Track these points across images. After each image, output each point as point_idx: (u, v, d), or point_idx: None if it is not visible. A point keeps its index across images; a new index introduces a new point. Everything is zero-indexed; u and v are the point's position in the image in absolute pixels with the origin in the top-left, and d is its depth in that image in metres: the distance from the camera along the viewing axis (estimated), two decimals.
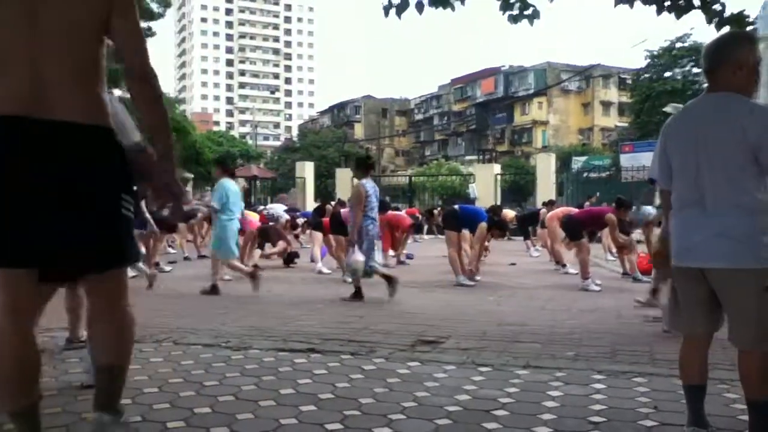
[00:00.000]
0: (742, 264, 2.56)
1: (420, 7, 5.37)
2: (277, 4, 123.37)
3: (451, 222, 9.65)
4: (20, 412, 2.09)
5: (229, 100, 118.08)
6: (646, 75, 47.98)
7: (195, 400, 3.39)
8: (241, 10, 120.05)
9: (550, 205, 14.60)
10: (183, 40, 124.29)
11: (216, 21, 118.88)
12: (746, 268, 2.56)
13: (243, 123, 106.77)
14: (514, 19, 5.73)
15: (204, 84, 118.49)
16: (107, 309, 2.27)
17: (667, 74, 46.48)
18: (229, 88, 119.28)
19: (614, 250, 13.35)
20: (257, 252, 11.43)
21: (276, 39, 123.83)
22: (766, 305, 2.56)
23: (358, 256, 7.23)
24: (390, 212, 12.39)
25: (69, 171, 2.04)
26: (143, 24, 29.70)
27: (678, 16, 5.41)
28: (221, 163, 9.18)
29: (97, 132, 2.11)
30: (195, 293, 7.93)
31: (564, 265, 10.85)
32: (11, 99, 2.02)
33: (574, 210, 11.04)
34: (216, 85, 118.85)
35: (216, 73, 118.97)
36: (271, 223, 12.24)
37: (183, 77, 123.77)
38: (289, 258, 11.94)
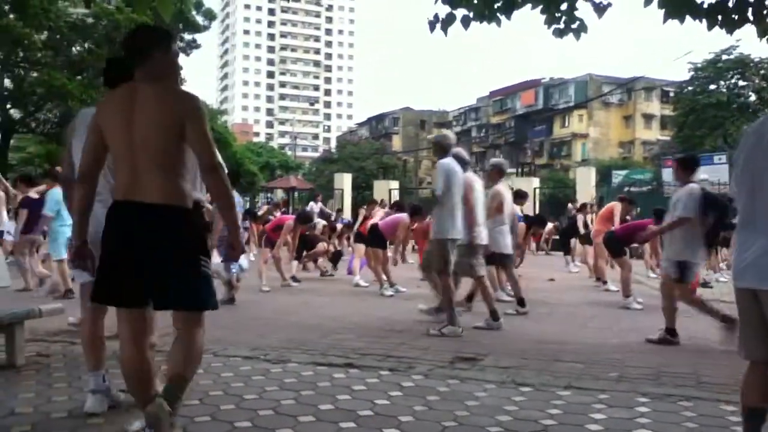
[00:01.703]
0: None
1: (466, 22, 5.34)
2: (318, 16, 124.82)
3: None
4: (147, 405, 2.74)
5: (269, 112, 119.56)
6: (690, 88, 47.04)
7: (235, 413, 3.41)
8: (283, 23, 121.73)
9: (583, 209, 14.25)
10: (226, 51, 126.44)
11: (258, 33, 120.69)
12: None
13: (282, 134, 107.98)
14: (560, 33, 5.64)
15: (245, 95, 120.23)
16: (184, 334, 2.91)
17: (712, 87, 45.51)
18: (270, 99, 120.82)
19: (657, 268, 13.15)
20: (294, 264, 11.50)
21: (317, 51, 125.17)
22: None
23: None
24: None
25: (154, 239, 2.74)
26: (188, 36, 30.29)
27: (730, 31, 5.28)
28: (48, 174, 9.25)
29: (173, 210, 2.76)
30: (234, 305, 7.99)
31: (605, 282, 10.66)
32: (120, 188, 2.80)
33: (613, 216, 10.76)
34: (257, 96, 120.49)
35: (257, 84, 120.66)
36: (307, 232, 12.30)
37: (225, 88, 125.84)
38: (335, 257, 11.93)
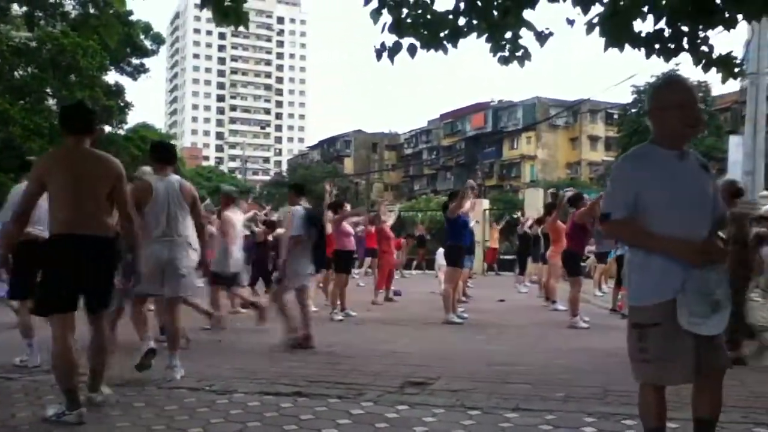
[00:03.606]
0: None
1: (413, 51, 5.39)
2: (269, 40, 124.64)
3: (457, 258, 9.53)
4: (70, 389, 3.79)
5: (220, 135, 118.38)
6: (633, 110, 48.59)
7: None
8: (234, 47, 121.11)
9: (539, 223, 14.31)
10: (175, 75, 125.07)
11: (208, 57, 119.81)
12: None
13: (233, 158, 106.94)
14: (505, 61, 5.74)
15: (195, 119, 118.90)
16: (98, 330, 4.06)
17: None
18: (220, 123, 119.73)
19: (603, 285, 13.43)
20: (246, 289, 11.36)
21: (268, 75, 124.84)
22: None
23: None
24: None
25: (93, 259, 3.91)
26: (136, 60, 29.68)
27: (667, 59, 5.47)
28: None
29: (105, 239, 3.96)
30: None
31: (554, 301, 10.81)
32: (66, 224, 3.85)
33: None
34: (206, 120, 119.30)
35: (207, 108, 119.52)
36: None
37: (174, 112, 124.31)
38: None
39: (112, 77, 28.36)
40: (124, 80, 29.73)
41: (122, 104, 27.04)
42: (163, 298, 5.32)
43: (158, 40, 29.97)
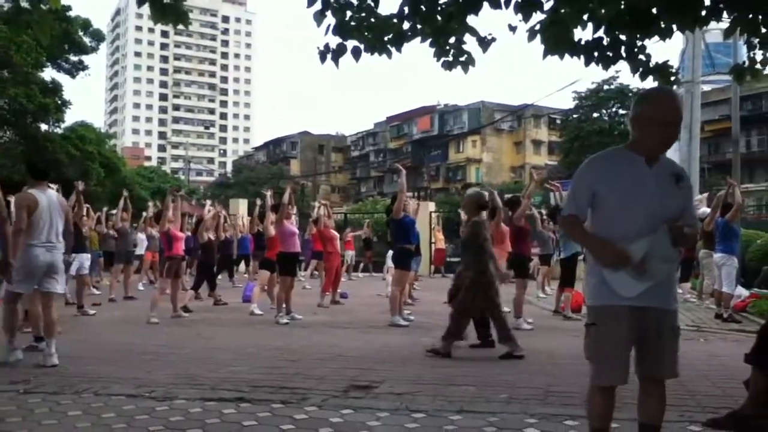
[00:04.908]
0: None
1: (357, 54, 5.37)
2: (214, 39, 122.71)
3: (405, 260, 9.55)
4: None
5: (162, 135, 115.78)
6: (575, 116, 49.80)
7: None
8: (177, 45, 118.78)
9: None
10: (116, 73, 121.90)
11: (150, 55, 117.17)
12: None
13: (176, 158, 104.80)
14: (449, 66, 5.78)
15: (136, 118, 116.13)
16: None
17: (595, 115, 48.37)
18: (162, 122, 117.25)
19: (547, 287, 13.68)
20: (190, 293, 11.18)
21: (212, 74, 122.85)
22: None
23: None
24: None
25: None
26: (74, 57, 28.80)
27: (605, 67, 5.61)
28: None
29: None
30: (121, 338, 7.62)
31: None
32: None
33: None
34: (148, 119, 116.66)
35: (149, 107, 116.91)
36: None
37: (114, 111, 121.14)
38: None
39: (48, 74, 27.48)
40: (62, 77, 28.88)
41: (59, 102, 26.23)
42: (39, 294, 5.95)
43: (98, 36, 29.20)
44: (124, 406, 4.21)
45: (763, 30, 5.43)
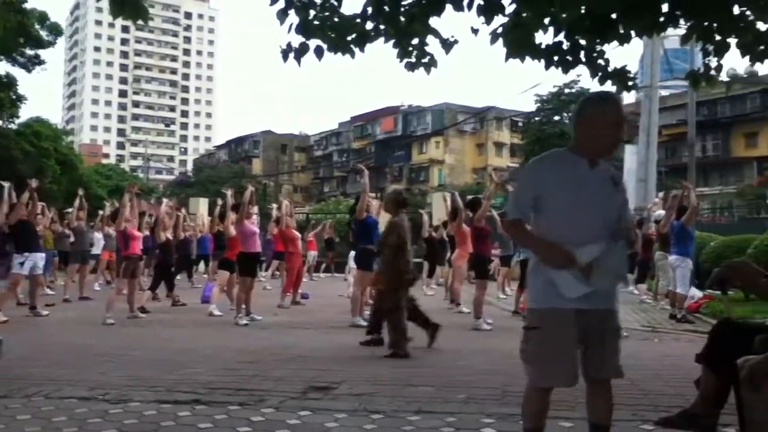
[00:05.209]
0: None
1: (319, 53, 5.35)
2: (176, 35, 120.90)
3: (368, 261, 9.45)
4: None
5: (121, 132, 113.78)
6: (537, 118, 50.42)
7: None
8: (138, 41, 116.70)
9: (444, 227, 14.59)
10: (74, 68, 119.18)
11: (110, 50, 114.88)
12: None
13: (135, 156, 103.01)
14: (411, 67, 5.80)
15: (94, 114, 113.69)
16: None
17: (556, 118, 49.05)
18: (122, 119, 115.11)
19: (507, 288, 13.81)
20: (147, 293, 11.00)
21: (173, 71, 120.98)
22: None
23: None
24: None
25: None
26: (30, 51, 28.15)
27: (565, 71, 5.70)
28: None
29: None
30: (75, 339, 7.45)
31: (458, 304, 11.01)
32: None
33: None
34: (107, 116, 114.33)
35: (108, 103, 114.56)
36: None
37: (72, 107, 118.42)
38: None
39: (2, 68, 26.79)
40: (17, 71, 28.14)
41: (14, 97, 25.62)
42: None
43: (56, 30, 28.59)
44: (77, 410, 4.12)
45: (717, 37, 5.57)
